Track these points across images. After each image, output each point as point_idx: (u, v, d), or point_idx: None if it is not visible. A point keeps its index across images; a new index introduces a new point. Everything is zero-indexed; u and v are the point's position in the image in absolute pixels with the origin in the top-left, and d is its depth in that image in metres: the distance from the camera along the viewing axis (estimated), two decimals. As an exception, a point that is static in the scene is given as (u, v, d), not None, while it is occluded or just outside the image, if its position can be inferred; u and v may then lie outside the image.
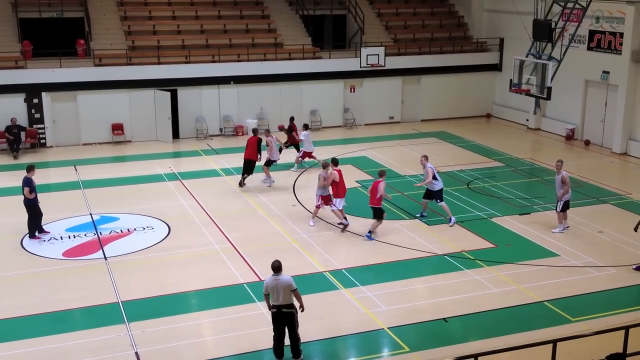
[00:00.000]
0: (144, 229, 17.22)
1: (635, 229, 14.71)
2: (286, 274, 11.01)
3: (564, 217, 16.98)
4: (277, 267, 10.91)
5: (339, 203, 17.02)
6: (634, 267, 14.73)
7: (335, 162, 17.43)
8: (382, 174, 16.75)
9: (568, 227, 17.05)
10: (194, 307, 13.28)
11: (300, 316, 11.21)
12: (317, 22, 31.32)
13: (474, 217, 18.01)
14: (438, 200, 17.58)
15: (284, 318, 10.95)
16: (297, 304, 11.04)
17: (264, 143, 20.55)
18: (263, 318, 12.57)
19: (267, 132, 21.53)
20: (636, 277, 14.41)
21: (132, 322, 12.50)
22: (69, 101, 25.43)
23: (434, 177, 17.32)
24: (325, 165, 17.31)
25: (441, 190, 17.55)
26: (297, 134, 22.95)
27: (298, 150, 22.63)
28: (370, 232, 16.56)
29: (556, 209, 17.09)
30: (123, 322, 12.49)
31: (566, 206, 16.89)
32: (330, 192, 17.43)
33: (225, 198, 19.70)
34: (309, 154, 22.28)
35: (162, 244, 16.29)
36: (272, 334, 11.22)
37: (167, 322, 12.55)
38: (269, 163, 20.79)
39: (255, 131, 20.99)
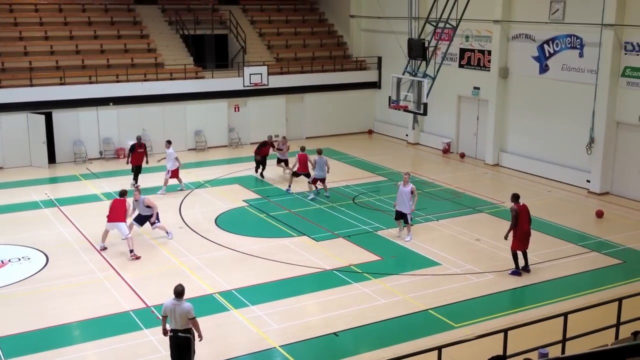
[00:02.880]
0: (20, 259, 16.30)
1: (506, 237, 15.54)
2: (187, 301, 10.76)
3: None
4: (178, 293, 10.72)
5: (124, 228, 16.58)
6: (510, 272, 15.58)
7: (123, 193, 17.04)
8: (303, 148, 21.85)
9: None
10: (78, 339, 12.68)
11: (196, 343, 10.98)
12: (198, 41, 31.12)
13: (361, 231, 18.41)
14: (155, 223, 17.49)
15: (180, 342, 10.74)
16: (195, 332, 10.86)
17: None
18: (151, 345, 12.23)
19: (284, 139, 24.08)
20: (512, 282, 15.25)
21: (9, 358, 11.76)
22: None
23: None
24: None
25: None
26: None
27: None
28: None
29: (408, 221, 17.56)
30: (-1, 361, 11.75)
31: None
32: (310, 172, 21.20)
33: (108, 223, 19.00)
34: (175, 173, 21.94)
35: (39, 274, 15.47)
36: (163, 360, 10.93)
37: (49, 356, 11.91)
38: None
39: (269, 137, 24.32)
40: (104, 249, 16.85)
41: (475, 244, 17.55)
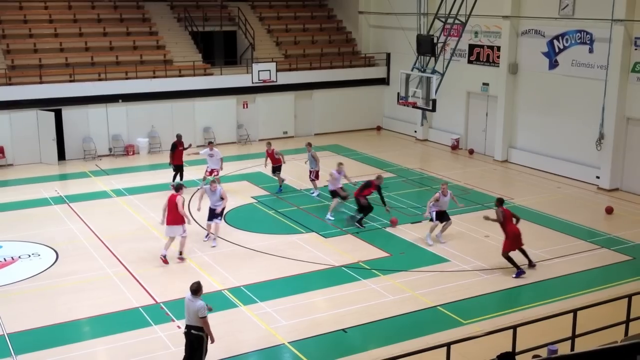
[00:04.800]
0: (30, 256, 16.40)
1: (487, 218, 15.51)
2: (201, 300, 10.74)
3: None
4: (194, 290, 10.78)
5: (168, 231, 15.89)
6: (514, 275, 15.24)
7: (177, 187, 16.30)
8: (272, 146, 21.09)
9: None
10: (88, 335, 12.74)
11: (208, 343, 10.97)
12: (207, 38, 31.15)
13: (369, 228, 18.39)
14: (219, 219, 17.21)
15: (192, 339, 10.83)
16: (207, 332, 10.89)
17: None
18: (161, 342, 12.28)
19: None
20: (521, 279, 15.18)
21: (20, 354, 11.84)
22: (-58, 124, 23.93)
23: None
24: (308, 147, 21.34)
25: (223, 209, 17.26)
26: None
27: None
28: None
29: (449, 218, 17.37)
30: (10, 356, 11.81)
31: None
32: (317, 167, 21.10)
33: (117, 220, 19.10)
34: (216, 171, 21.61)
35: (49, 270, 15.56)
36: (171, 356, 10.93)
37: (59, 352, 11.99)
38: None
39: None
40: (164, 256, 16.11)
41: (484, 241, 17.51)
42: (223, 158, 21.56)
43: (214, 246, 16.96)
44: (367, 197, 18.46)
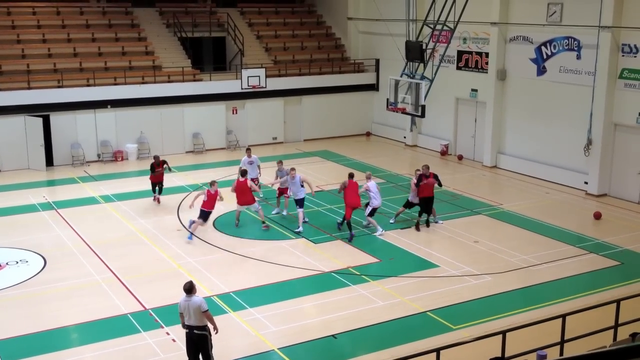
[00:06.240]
0: (17, 262, 16.28)
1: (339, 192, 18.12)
2: (197, 296, 10.79)
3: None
4: (187, 289, 10.80)
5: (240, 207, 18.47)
6: (348, 239, 17.62)
7: (243, 173, 18.57)
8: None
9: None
10: (76, 342, 12.66)
11: (213, 337, 10.97)
12: (196, 44, 31.13)
13: (359, 234, 18.39)
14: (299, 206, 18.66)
15: (196, 339, 10.83)
16: (210, 326, 10.91)
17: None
18: (150, 348, 12.22)
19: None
20: (510, 284, 15.24)
21: (6, 362, 11.77)
22: None
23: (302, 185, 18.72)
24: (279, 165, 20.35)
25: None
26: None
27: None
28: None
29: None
30: (-3, 364, 11.74)
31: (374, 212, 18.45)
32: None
33: (106, 226, 19.01)
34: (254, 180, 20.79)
35: (37, 277, 15.45)
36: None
37: (47, 359, 11.89)
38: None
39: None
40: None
41: (474, 246, 17.55)
42: (259, 164, 21.13)
43: (300, 230, 18.29)
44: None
